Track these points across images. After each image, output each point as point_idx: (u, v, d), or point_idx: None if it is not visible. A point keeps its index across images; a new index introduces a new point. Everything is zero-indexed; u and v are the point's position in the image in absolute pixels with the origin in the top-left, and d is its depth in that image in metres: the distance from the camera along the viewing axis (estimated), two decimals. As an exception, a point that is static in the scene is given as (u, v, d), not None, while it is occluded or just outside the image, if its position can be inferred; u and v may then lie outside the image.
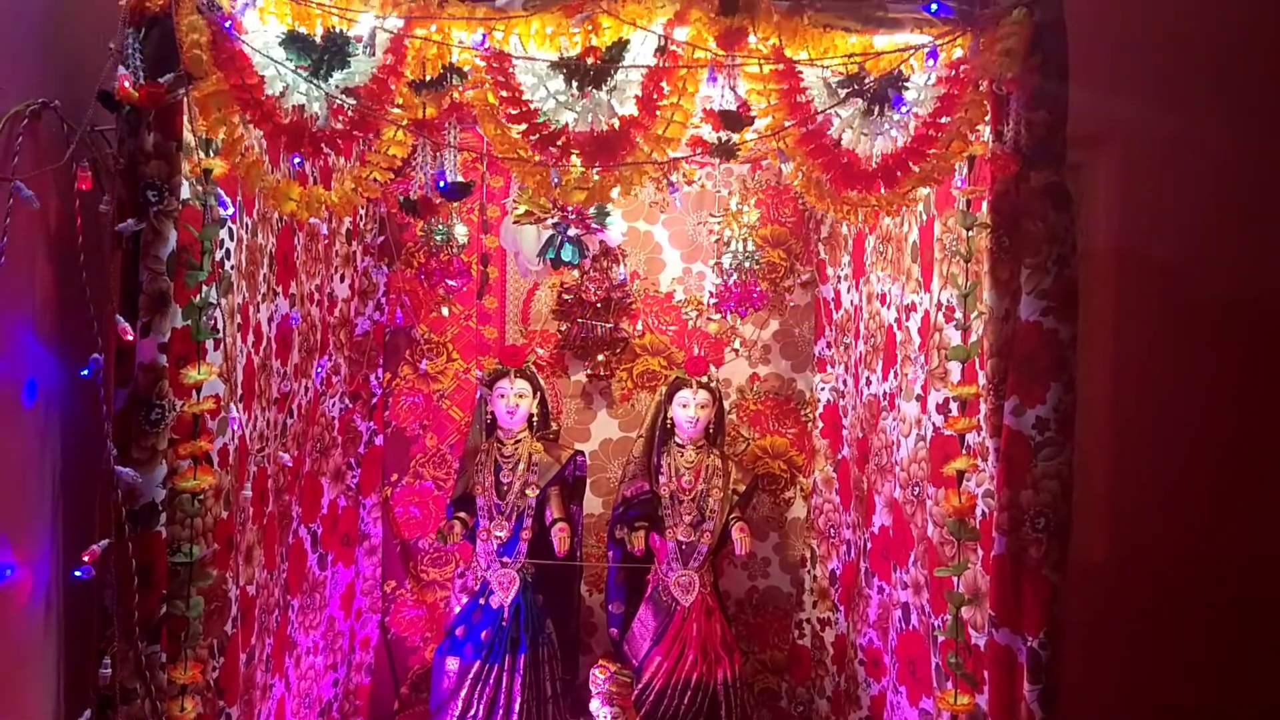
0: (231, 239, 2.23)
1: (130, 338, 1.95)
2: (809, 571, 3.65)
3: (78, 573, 1.88)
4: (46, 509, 1.93)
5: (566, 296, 3.66)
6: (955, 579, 2.22)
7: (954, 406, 2.33)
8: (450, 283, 3.32)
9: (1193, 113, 3.47)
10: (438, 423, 3.73)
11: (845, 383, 3.44)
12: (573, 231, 2.67)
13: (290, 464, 2.74)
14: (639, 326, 3.73)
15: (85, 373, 1.89)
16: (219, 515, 2.19)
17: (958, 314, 2.27)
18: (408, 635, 3.72)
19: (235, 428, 2.24)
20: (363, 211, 3.46)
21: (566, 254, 2.68)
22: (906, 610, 2.64)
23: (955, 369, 2.34)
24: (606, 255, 3.65)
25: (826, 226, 3.60)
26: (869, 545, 3.00)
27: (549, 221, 2.71)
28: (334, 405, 3.27)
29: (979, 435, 2.23)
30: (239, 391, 2.34)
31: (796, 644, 3.66)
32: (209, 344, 2.12)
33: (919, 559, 2.57)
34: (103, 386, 1.93)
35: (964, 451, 2.25)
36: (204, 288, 2.08)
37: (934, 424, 2.43)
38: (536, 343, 3.71)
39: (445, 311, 3.59)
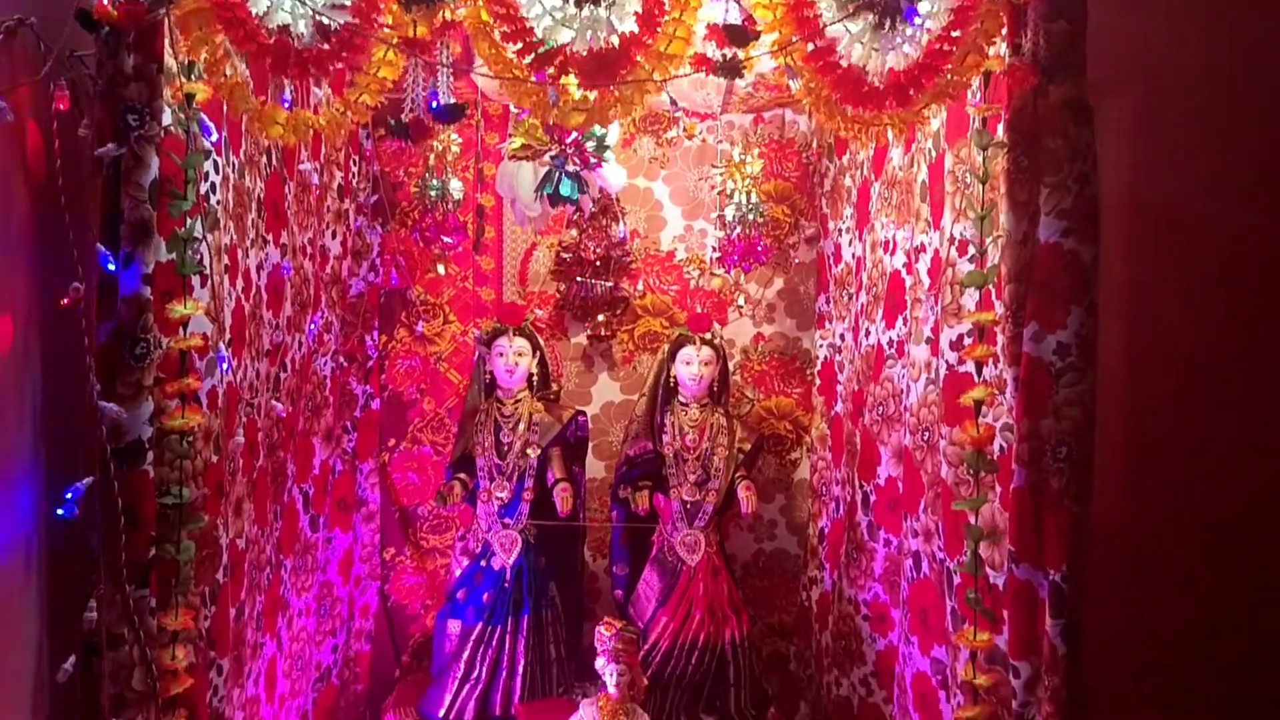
0: (217, 173, 2.15)
1: (112, 268, 1.87)
2: (810, 532, 3.58)
3: (60, 511, 1.80)
4: (27, 444, 1.85)
5: (565, 255, 3.58)
6: (973, 514, 2.14)
7: (968, 342, 2.26)
8: (446, 239, 3.24)
9: (1211, 50, 3.38)
10: (435, 386, 3.65)
11: (843, 337, 3.36)
12: (571, 167, 2.59)
13: (284, 414, 2.66)
14: (639, 287, 3.65)
15: (65, 301, 1.81)
16: (209, 459, 2.11)
17: (971, 244, 2.20)
18: (408, 603, 3.64)
19: (224, 367, 2.16)
20: (355, 169, 3.39)
21: (565, 188, 2.59)
22: (918, 559, 2.56)
23: (969, 302, 2.26)
24: (605, 213, 3.57)
25: (829, 180, 3.52)
26: (873, 498, 2.92)
27: (546, 156, 2.63)
28: (326, 364, 3.19)
29: (995, 369, 2.15)
30: (228, 334, 2.26)
31: (804, 607, 3.59)
32: (195, 280, 2.03)
33: (929, 505, 2.49)
34: (84, 318, 1.85)
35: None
36: (188, 220, 1.99)
37: (947, 362, 2.35)
38: (535, 304, 3.63)
39: (441, 270, 3.51)
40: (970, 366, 2.25)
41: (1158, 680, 3.15)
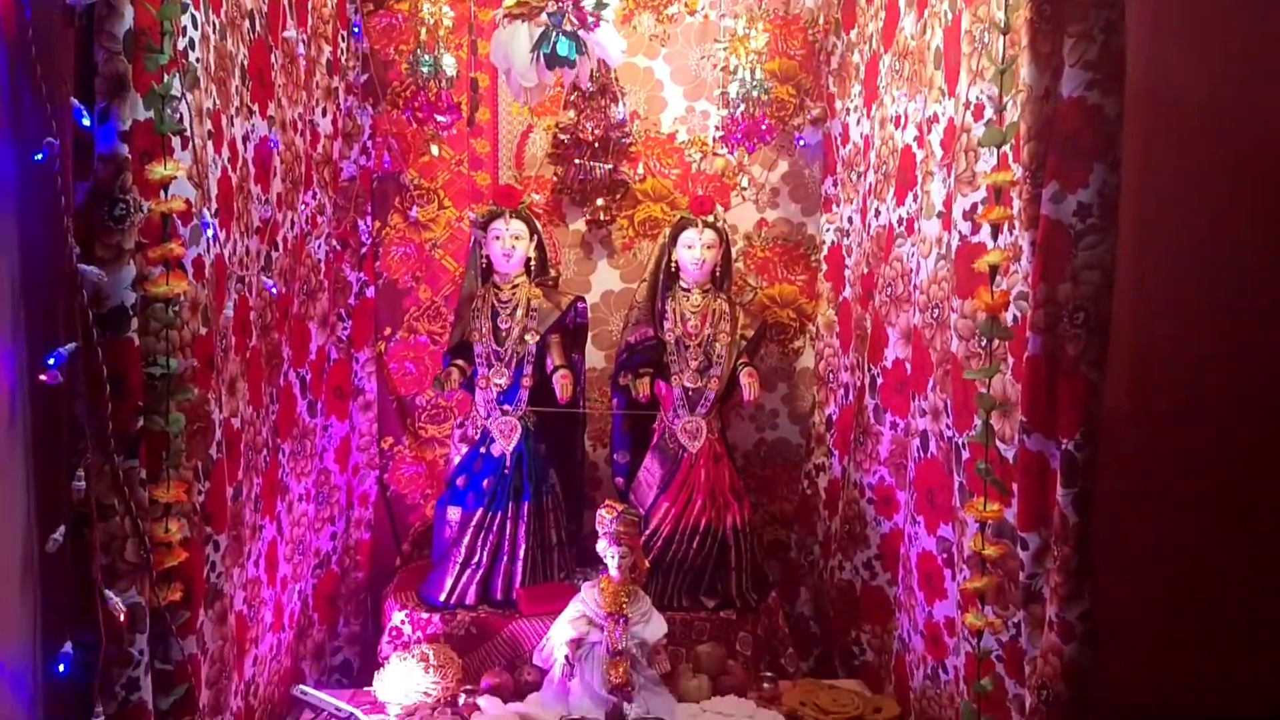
0: (195, 29, 2.04)
1: (87, 123, 1.78)
2: (814, 420, 3.53)
3: (43, 376, 1.74)
4: (5, 308, 1.78)
5: (563, 137, 3.47)
6: (984, 384, 2.09)
7: (982, 209, 2.18)
8: (439, 119, 3.13)
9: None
10: (431, 274, 3.57)
11: (851, 220, 3.27)
12: (568, 27, 2.46)
13: (276, 292, 2.58)
14: (640, 170, 3.54)
15: (39, 157, 1.72)
16: (197, 331, 2.04)
17: (989, 105, 2.10)
18: (407, 493, 3.62)
19: (209, 234, 2.07)
20: (344, 46, 3.25)
21: (562, 48, 2.46)
22: (925, 438, 2.52)
23: (985, 167, 2.18)
24: (604, 93, 3.45)
25: (836, 57, 3.39)
26: (880, 381, 2.87)
27: (543, 15, 2.50)
28: (320, 248, 3.10)
29: (1010, 235, 2.08)
30: (214, 204, 2.18)
31: (805, 495, 3.57)
32: (175, 141, 1.94)
33: (938, 383, 2.44)
34: (60, 177, 1.76)
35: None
36: (165, 75, 1.89)
37: (960, 233, 2.27)
38: (532, 189, 3.53)
39: (435, 151, 3.40)
40: (984, 235, 2.18)
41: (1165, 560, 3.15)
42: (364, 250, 3.47)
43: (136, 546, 1.89)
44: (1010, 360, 2.08)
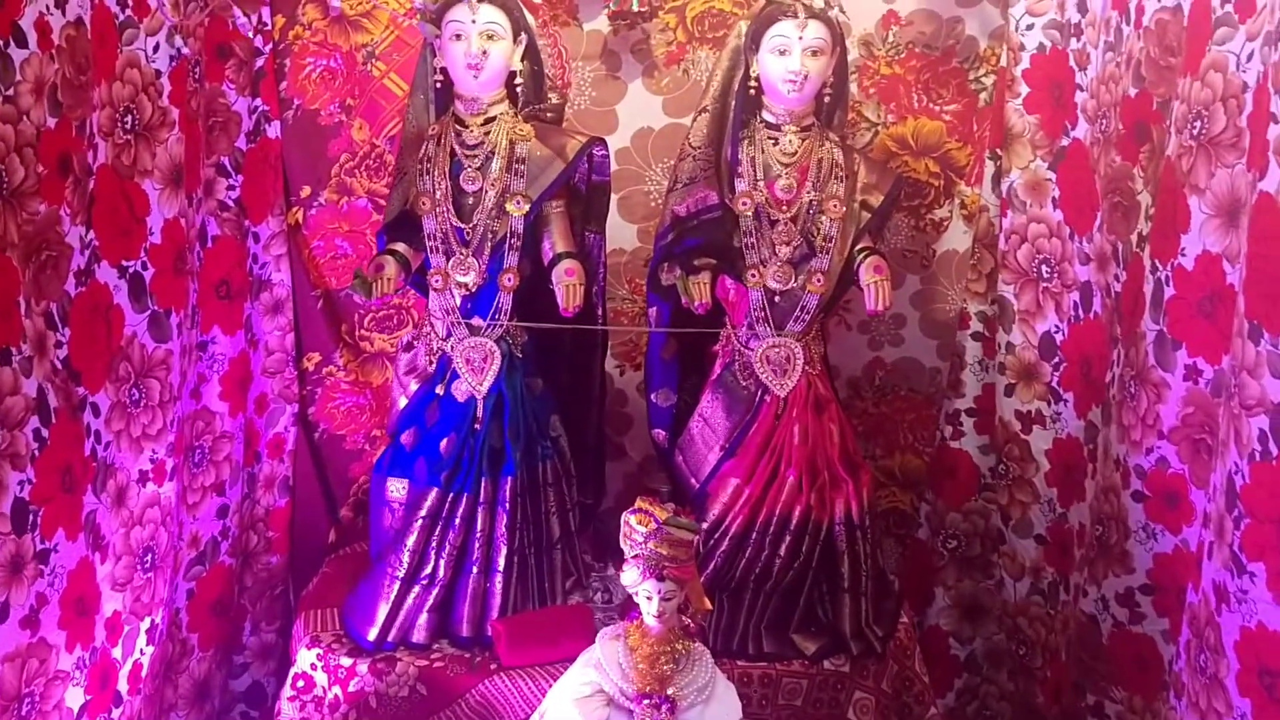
0: None
1: None
2: (986, 335, 2.27)
3: None
4: None
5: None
6: None
7: None
8: None
9: None
10: (369, 102, 2.31)
11: (1084, 7, 1.93)
12: None
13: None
14: (697, -69, 2.21)
15: None
16: None
17: None
18: (345, 433, 2.45)
19: None
20: None
21: None
22: (1280, 417, 1.26)
23: None
24: None
25: None
26: (1170, 292, 1.58)
27: None
28: (156, 49, 1.83)
29: None
30: None
31: (948, 446, 2.35)
32: None
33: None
34: None
35: None
36: None
37: None
38: (524, -37, 2.22)
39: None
40: None
41: None
42: (260, 62, 2.20)
43: None
44: None
